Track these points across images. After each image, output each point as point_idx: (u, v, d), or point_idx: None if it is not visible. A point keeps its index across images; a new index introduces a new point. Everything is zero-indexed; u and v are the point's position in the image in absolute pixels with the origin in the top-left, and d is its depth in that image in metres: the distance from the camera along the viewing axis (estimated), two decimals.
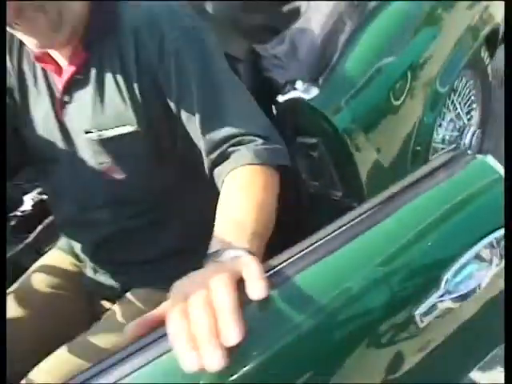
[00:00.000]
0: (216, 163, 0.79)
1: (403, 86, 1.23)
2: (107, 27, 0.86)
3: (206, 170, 0.82)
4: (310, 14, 1.11)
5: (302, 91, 1.00)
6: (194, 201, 0.96)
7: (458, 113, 1.59)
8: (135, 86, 0.85)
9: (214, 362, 0.44)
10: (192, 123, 0.82)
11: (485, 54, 1.70)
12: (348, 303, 0.55)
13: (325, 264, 0.55)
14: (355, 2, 1.10)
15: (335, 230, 0.58)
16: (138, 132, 0.86)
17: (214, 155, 0.80)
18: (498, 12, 1.69)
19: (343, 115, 1.02)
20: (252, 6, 1.16)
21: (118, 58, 0.85)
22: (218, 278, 0.49)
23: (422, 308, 0.59)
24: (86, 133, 0.88)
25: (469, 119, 1.66)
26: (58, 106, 0.91)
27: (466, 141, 1.58)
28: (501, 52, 1.82)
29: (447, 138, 1.54)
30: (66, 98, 0.90)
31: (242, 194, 0.72)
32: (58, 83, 0.90)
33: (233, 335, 0.45)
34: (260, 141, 0.77)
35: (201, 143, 0.81)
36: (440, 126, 1.50)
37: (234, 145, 0.78)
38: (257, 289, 0.48)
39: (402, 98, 1.23)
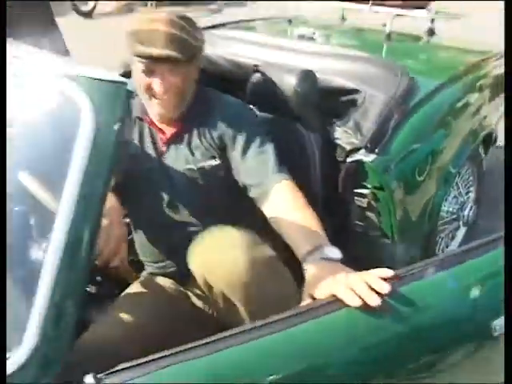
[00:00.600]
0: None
1: (425, 166, 1.68)
2: (201, 109, 1.36)
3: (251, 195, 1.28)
4: (367, 104, 1.57)
5: (364, 156, 1.44)
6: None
7: (460, 191, 2.05)
8: (212, 143, 1.33)
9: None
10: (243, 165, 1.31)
11: (481, 151, 2.19)
12: None
13: None
14: (401, 101, 1.57)
15: None
16: (220, 164, 1.34)
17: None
18: (493, 119, 2.20)
19: (390, 176, 1.46)
20: (325, 95, 1.61)
21: (204, 127, 1.34)
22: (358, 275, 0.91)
23: None
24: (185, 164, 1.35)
25: (468, 197, 2.12)
26: (159, 151, 1.37)
27: (465, 213, 2.04)
28: (493, 150, 2.33)
29: (451, 209, 1.99)
30: (164, 148, 1.37)
31: (293, 203, 1.18)
32: (159, 138, 1.37)
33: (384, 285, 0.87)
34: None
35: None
36: (446, 200, 1.94)
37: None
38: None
39: (424, 176, 1.67)
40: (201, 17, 5.43)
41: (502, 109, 2.31)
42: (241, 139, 1.32)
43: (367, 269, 0.92)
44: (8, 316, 0.77)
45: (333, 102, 1.65)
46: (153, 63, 1.25)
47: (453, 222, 2.04)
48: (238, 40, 1.95)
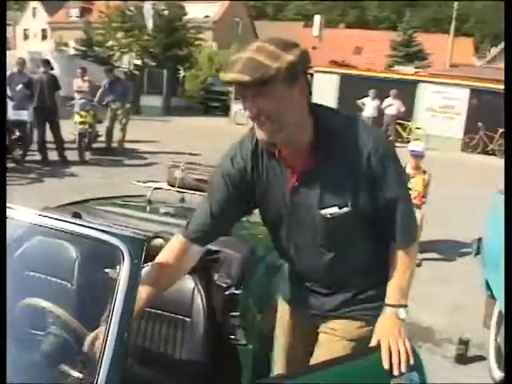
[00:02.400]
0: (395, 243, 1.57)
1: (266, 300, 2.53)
2: (330, 143, 1.46)
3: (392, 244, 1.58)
4: (229, 260, 2.40)
5: (235, 290, 2.22)
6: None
7: None
8: (354, 183, 1.46)
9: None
10: (393, 211, 1.52)
11: None
12: None
13: None
14: (249, 257, 2.44)
15: None
16: (350, 211, 1.48)
17: (405, 234, 1.56)
18: None
19: (251, 302, 2.25)
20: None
21: (343, 163, 1.45)
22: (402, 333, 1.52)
23: None
24: (318, 209, 1.49)
25: None
26: (290, 189, 1.52)
27: None
28: None
29: None
30: (297, 184, 1.51)
31: (406, 266, 1.56)
32: (289, 175, 1.51)
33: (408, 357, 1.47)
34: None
35: (388, 227, 1.55)
36: None
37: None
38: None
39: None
40: None
41: None
42: (395, 186, 1.50)
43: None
44: None
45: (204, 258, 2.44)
46: (242, 88, 1.38)
47: None
48: (119, 214, 2.68)
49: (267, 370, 2.46)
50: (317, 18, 19.67)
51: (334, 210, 1.49)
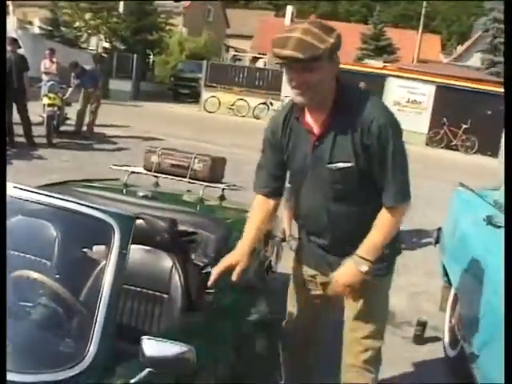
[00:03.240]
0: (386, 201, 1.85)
1: None
2: (346, 109, 1.80)
3: (383, 201, 1.86)
4: (204, 241, 2.51)
5: (210, 269, 2.35)
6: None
7: None
8: (357, 144, 1.78)
9: None
10: (383, 173, 1.82)
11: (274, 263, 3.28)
12: None
13: None
14: (223, 239, 2.56)
15: None
16: (352, 167, 1.82)
17: (390, 196, 1.84)
18: (269, 253, 3.34)
19: (226, 281, 2.38)
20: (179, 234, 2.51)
21: (351, 126, 1.78)
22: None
23: None
24: (328, 164, 1.83)
25: None
26: (311, 147, 1.87)
27: None
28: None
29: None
30: (317, 143, 1.86)
31: (387, 226, 1.87)
32: (310, 137, 1.87)
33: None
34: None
35: (385, 186, 1.83)
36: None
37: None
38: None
39: None
40: None
41: (275, 248, 3.50)
42: (388, 152, 1.79)
43: None
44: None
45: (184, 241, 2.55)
46: (290, 62, 1.68)
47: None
48: (97, 196, 2.76)
49: (241, 344, 2.61)
50: (289, 9, 19.82)
51: (339, 164, 1.82)
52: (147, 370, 1.40)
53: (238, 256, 2.07)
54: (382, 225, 1.89)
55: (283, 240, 4.84)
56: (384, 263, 2.03)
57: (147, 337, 1.41)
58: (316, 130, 1.88)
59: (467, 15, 47.94)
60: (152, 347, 1.37)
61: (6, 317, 1.22)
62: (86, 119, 10.25)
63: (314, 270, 2.19)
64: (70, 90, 9.85)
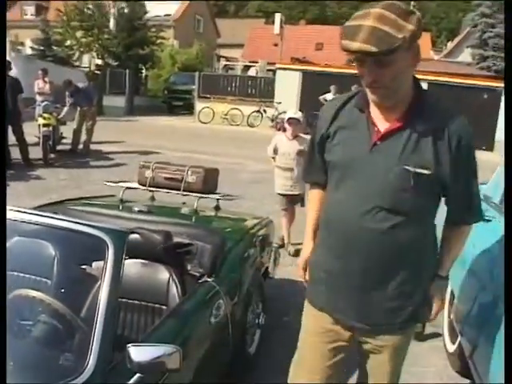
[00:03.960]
0: (456, 216, 1.67)
1: (236, 289, 2.72)
2: (421, 111, 1.55)
3: (452, 215, 1.69)
4: (200, 251, 2.57)
5: (207, 278, 2.40)
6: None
7: (254, 305, 3.11)
8: (440, 152, 1.52)
9: None
10: (455, 184, 1.58)
11: (262, 280, 3.34)
12: None
13: None
14: (218, 249, 2.61)
15: None
16: (430, 175, 1.53)
17: (459, 210, 1.66)
18: (266, 261, 3.39)
19: (222, 288, 2.43)
20: (175, 246, 2.57)
21: (428, 130, 1.53)
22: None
23: None
24: (398, 166, 1.53)
25: (258, 309, 3.20)
26: (371, 143, 1.57)
27: (260, 320, 3.09)
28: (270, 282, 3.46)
29: (251, 318, 3.01)
30: (379, 142, 1.56)
31: (461, 243, 1.70)
32: (374, 132, 1.57)
33: None
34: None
35: (456, 198, 1.63)
36: (249, 310, 2.97)
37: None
38: None
39: (239, 290, 2.69)
40: None
41: (273, 254, 3.55)
42: (469, 166, 1.60)
43: None
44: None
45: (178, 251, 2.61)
46: (361, 55, 1.43)
47: (253, 327, 3.05)
48: (93, 214, 2.82)
49: (243, 353, 2.66)
50: (277, 16, 19.86)
51: (417, 169, 1.53)
52: (137, 375, 1.44)
53: (310, 248, 1.86)
54: (457, 241, 1.75)
55: (281, 246, 4.92)
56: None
57: (133, 344, 1.46)
58: (383, 126, 1.59)
59: (455, 11, 48.28)
60: (139, 352, 1.42)
61: (5, 318, 1.25)
62: (82, 137, 10.32)
63: (338, 314, 1.74)
64: (65, 109, 9.92)
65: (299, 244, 5.32)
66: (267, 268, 3.41)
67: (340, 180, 1.67)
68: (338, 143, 1.67)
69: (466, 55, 27.89)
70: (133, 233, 2.46)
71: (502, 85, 16.23)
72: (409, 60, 1.48)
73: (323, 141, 1.74)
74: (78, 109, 10.05)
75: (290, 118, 4.96)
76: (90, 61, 23.51)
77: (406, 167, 1.53)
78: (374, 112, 1.61)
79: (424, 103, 1.59)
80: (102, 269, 1.57)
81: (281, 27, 19.79)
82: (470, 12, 30.15)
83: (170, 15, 31.06)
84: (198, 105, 18.38)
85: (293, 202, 5.10)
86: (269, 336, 3.25)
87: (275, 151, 5.01)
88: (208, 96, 18.46)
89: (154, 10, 25.95)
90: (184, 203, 3.71)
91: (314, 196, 1.94)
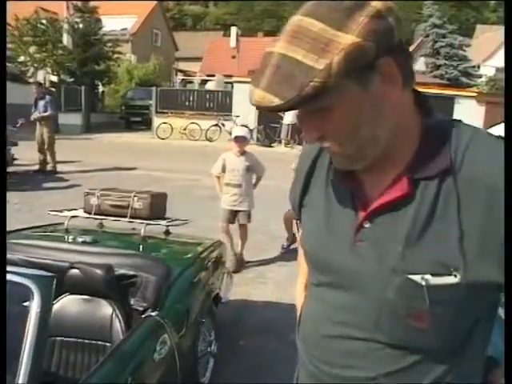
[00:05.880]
0: None
1: (184, 318, 2.66)
2: (437, 168, 0.86)
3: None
4: (144, 283, 2.51)
5: (152, 312, 2.34)
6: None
7: (205, 334, 3.06)
8: (472, 236, 0.82)
9: None
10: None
11: (214, 307, 3.29)
12: None
13: None
14: (163, 281, 2.56)
15: None
16: (459, 284, 0.82)
17: None
18: (217, 285, 3.35)
19: (168, 323, 2.38)
20: (118, 279, 2.50)
21: (452, 200, 0.84)
22: None
23: None
24: (395, 270, 0.86)
25: (211, 337, 3.14)
26: (355, 226, 0.92)
27: (212, 348, 3.03)
28: (220, 305, 3.42)
29: (203, 347, 2.95)
30: (367, 223, 0.90)
31: None
32: (359, 206, 0.93)
33: None
34: None
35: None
36: (199, 339, 2.91)
37: None
38: None
39: (185, 324, 2.64)
40: None
41: (225, 277, 3.51)
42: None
43: None
44: None
45: (121, 284, 2.54)
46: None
47: (205, 356, 3.00)
48: (36, 247, 2.72)
49: None
50: (233, 30, 19.96)
51: (433, 277, 0.86)
52: None
53: None
54: None
55: (235, 271, 4.85)
56: None
57: None
58: (373, 195, 0.95)
59: (408, 22, 49.66)
60: None
61: (5, 318, 1.20)
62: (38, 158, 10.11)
63: None
64: (15, 129, 9.76)
65: (254, 262, 5.31)
66: (217, 294, 3.36)
67: (319, 282, 1.06)
68: (311, 220, 1.05)
69: (420, 64, 28.66)
70: (72, 268, 2.39)
71: (455, 92, 16.80)
72: (370, 90, 0.85)
73: (297, 208, 1.13)
74: (37, 125, 10.14)
75: (236, 137, 5.10)
76: (44, 77, 23.02)
77: (411, 276, 0.87)
78: (362, 170, 0.96)
79: (449, 144, 0.90)
80: (28, 317, 1.50)
81: (237, 40, 19.89)
82: (422, 22, 31.11)
83: (126, 29, 30.83)
84: (156, 120, 18.23)
85: (239, 217, 5.13)
86: (223, 363, 3.20)
87: (223, 168, 5.10)
88: (166, 111, 18.33)
89: (109, 25, 25.68)
90: (133, 229, 3.64)
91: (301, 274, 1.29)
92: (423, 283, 0.85)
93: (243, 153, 5.08)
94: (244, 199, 5.07)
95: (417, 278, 0.85)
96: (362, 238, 0.93)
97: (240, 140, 5.05)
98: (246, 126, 16.33)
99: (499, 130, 2.07)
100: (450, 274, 0.84)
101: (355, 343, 0.96)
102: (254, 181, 5.26)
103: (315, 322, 1.05)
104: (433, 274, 0.85)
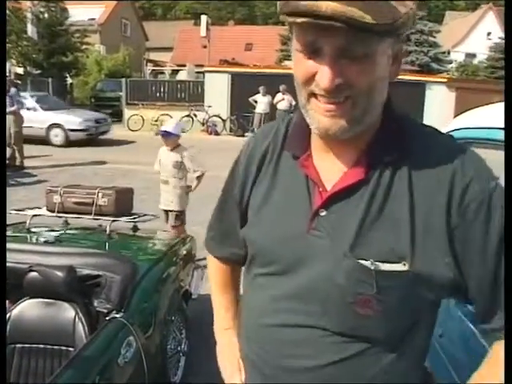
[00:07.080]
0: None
1: (152, 317, 2.57)
2: (393, 153, 0.87)
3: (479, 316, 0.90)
4: (109, 283, 2.41)
5: (116, 314, 2.25)
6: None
7: (176, 333, 2.98)
8: (423, 216, 0.83)
9: None
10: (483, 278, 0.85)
11: (184, 304, 3.21)
12: None
13: None
14: (129, 279, 2.46)
15: None
16: (408, 272, 0.83)
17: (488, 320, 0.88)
18: (187, 281, 3.26)
19: (134, 323, 2.29)
20: (81, 279, 2.40)
21: (423, 185, 0.85)
22: None
23: None
24: (353, 256, 0.84)
25: (182, 335, 3.06)
26: (311, 213, 0.90)
27: (183, 347, 2.95)
28: (191, 302, 3.34)
29: (173, 346, 2.87)
30: (323, 211, 0.88)
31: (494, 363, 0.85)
32: (316, 193, 0.90)
33: None
34: None
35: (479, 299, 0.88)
36: (169, 338, 2.83)
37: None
38: None
39: (152, 321, 2.55)
40: None
41: (194, 273, 3.42)
42: (492, 242, 0.84)
43: None
44: None
45: (84, 285, 2.44)
46: (321, 34, 0.77)
47: (176, 354, 2.92)
48: None
49: None
50: (203, 18, 19.65)
51: (382, 265, 0.86)
52: None
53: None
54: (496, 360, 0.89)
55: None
56: None
57: None
58: (331, 181, 0.93)
59: None
60: None
61: (5, 318, 1.12)
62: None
63: None
64: None
65: None
66: (187, 290, 3.28)
67: (263, 272, 1.01)
68: (259, 212, 1.01)
69: None
70: (31, 271, 2.28)
71: (426, 78, 16.90)
72: (393, 60, 0.88)
73: (238, 204, 1.09)
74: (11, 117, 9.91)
75: (160, 132, 4.80)
76: (9, 69, 22.38)
77: (361, 261, 0.86)
78: (319, 155, 0.95)
79: (405, 132, 0.92)
80: None
81: (207, 29, 19.62)
82: None
83: (94, 19, 30.13)
84: (127, 112, 17.88)
85: (169, 218, 4.77)
86: (197, 361, 3.13)
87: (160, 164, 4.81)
88: (136, 103, 18.00)
89: (76, 15, 25.03)
90: (100, 226, 3.52)
91: (220, 275, 1.29)
92: (372, 267, 0.85)
93: (174, 148, 4.72)
94: (173, 198, 4.69)
95: (367, 263, 0.86)
96: (316, 226, 0.92)
97: (164, 135, 4.71)
98: (219, 116, 16.33)
99: (469, 117, 2.03)
100: (399, 262, 0.85)
101: (300, 330, 0.94)
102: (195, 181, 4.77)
103: (256, 311, 1.03)
104: (383, 261, 0.86)
